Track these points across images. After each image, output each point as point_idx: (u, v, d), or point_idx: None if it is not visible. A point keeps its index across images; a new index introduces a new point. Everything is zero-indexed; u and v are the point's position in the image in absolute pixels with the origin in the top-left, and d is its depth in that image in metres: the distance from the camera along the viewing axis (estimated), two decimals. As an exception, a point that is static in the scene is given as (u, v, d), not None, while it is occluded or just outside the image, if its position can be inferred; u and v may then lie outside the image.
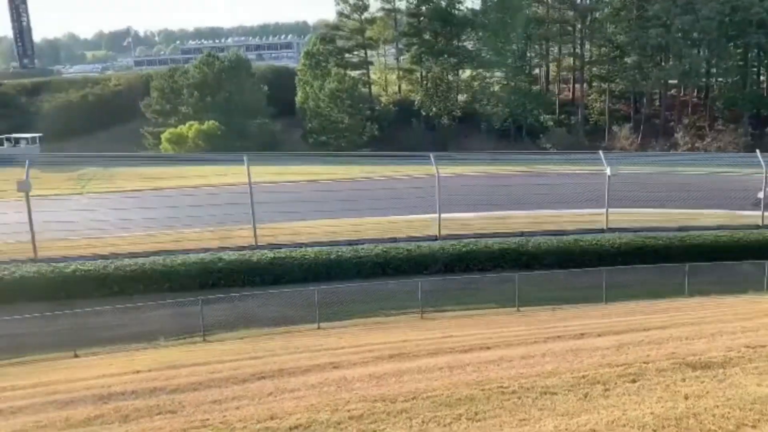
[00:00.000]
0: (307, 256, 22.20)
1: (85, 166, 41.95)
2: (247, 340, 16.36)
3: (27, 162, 24.01)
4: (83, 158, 44.96)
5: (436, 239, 24.49)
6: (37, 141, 53.50)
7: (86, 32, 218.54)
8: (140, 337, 17.66)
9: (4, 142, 53.26)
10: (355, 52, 68.22)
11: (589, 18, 63.62)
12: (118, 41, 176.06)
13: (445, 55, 62.49)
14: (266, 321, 18.68)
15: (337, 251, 22.57)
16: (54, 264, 21.07)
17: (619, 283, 21.07)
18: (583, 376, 7.47)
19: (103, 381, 9.58)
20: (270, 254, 22.31)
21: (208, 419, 6.63)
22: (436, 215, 25.21)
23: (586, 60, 64.50)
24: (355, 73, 64.37)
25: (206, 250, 22.79)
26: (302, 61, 65.75)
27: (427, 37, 64.61)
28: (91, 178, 38.50)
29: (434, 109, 60.87)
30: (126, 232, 25.46)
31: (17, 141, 53.48)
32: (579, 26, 64.47)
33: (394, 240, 24.38)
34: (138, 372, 10.60)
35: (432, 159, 26.31)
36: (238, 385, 8.15)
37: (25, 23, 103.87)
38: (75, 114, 62.54)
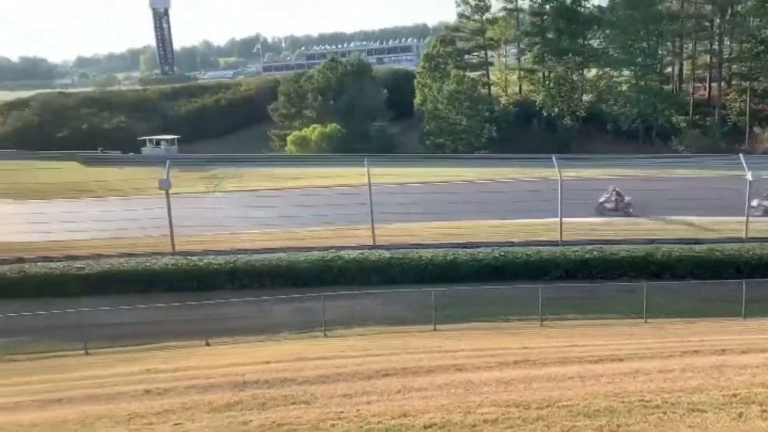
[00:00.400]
0: (423, 258, 22.25)
1: (217, 166, 44.64)
2: (366, 338, 16.67)
3: (167, 162, 25.88)
4: (216, 159, 47.93)
5: (557, 244, 23.70)
6: (175, 142, 57.59)
7: (220, 40, 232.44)
8: (265, 329, 18.51)
9: (147, 143, 57.74)
10: (475, 53, 67.64)
11: (729, 12, 58.97)
12: (248, 48, 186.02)
13: (570, 54, 60.49)
14: (383, 320, 18.94)
15: (454, 254, 22.43)
16: (189, 257, 22.58)
17: (760, 298, 19.33)
18: (734, 395, 6.92)
19: (237, 369, 10.15)
20: (387, 255, 22.59)
21: (342, 412, 6.81)
22: (557, 219, 24.41)
23: (725, 57, 59.89)
24: (474, 75, 63.83)
25: (327, 248, 23.44)
26: (421, 63, 66.15)
27: (550, 35, 62.80)
28: (222, 178, 40.87)
29: (556, 109, 59.11)
30: (253, 229, 26.80)
31: (158, 142, 57.83)
32: (717, 21, 59.97)
33: (512, 244, 23.86)
34: (268, 362, 11.12)
35: (554, 161, 25.52)
36: (365, 381, 8.32)
37: (166, 34, 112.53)
38: (209, 117, 66.89)
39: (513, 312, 19.07)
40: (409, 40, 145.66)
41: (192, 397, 7.90)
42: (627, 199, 28.05)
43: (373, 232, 24.33)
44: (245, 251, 23.28)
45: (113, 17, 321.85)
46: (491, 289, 20.21)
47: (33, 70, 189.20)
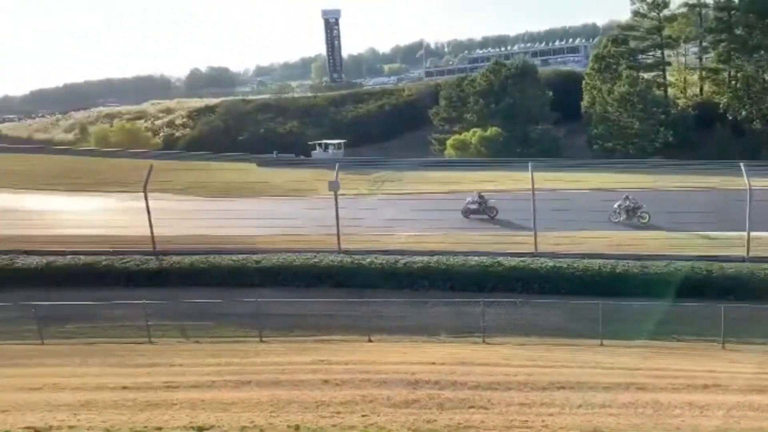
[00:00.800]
0: (589, 268, 21.24)
1: (379, 169, 46.02)
2: (527, 347, 16.29)
3: (336, 165, 27.12)
4: (379, 162, 49.43)
5: (744, 260, 21.46)
6: (342, 146, 60.26)
7: (384, 47, 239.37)
8: (423, 330, 18.74)
9: (316, 147, 61.04)
10: (650, 53, 63.34)
11: None
12: (411, 54, 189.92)
13: (761, 52, 54.60)
14: (544, 330, 18.37)
15: (624, 265, 21.14)
16: (353, 256, 23.44)
17: None
18: None
19: (406, 368, 10.40)
20: (550, 263, 21.86)
21: (526, 421, 6.73)
22: (743, 233, 22.11)
23: None
24: (648, 75, 59.89)
25: (485, 253, 23.18)
26: (590, 64, 63.27)
27: (738, 32, 57.15)
28: (384, 180, 42.05)
29: (744, 112, 53.66)
30: (413, 231, 27.25)
31: (326, 146, 60.87)
32: None
33: (689, 258, 21.97)
34: (434, 363, 11.27)
35: (742, 169, 23.14)
36: (540, 391, 8.13)
37: (336, 43, 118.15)
38: (372, 122, 69.25)
39: (689, 331, 17.59)
40: (577, 40, 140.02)
41: (369, 390, 8.21)
42: None
43: (535, 239, 23.66)
44: (405, 252, 23.71)
45: (288, 29, 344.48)
46: (665, 306, 18.72)
47: (218, 79, 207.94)
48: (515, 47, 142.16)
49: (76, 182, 41.58)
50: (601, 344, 16.82)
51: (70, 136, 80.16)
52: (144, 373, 11.30)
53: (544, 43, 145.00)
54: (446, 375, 9.28)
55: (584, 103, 60.00)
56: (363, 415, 7.04)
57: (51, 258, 23.93)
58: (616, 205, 27.28)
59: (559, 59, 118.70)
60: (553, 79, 67.16)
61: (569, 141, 58.85)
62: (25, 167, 51.62)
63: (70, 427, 7.02)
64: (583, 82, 61.26)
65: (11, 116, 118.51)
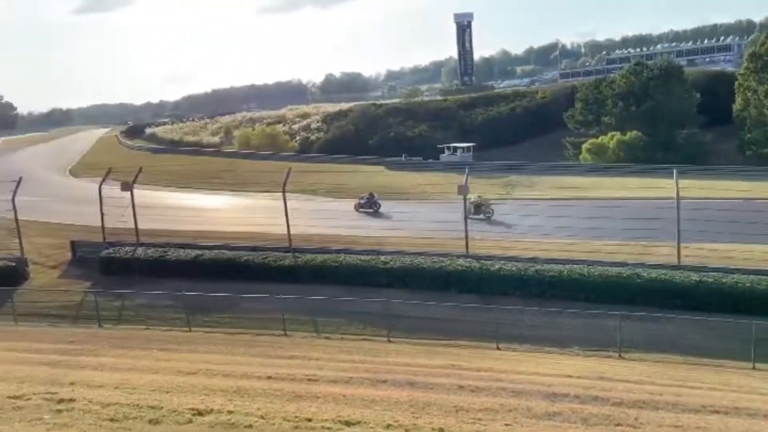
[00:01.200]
0: (740, 284, 19.60)
1: (510, 174, 45.21)
2: (668, 365, 15.29)
3: (466, 169, 27.01)
4: (510, 166, 48.60)
5: None
6: (471, 150, 59.84)
7: (517, 49, 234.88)
8: (554, 340, 18.16)
9: (445, 150, 61.08)
10: (817, 50, 57.14)
11: None
12: (545, 55, 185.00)
13: None
14: (687, 348, 17.17)
15: (783, 283, 19.27)
16: (482, 261, 23.20)
17: None
18: None
19: (540, 378, 10.16)
20: (695, 276, 20.41)
21: None
22: None
23: None
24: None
25: (623, 264, 22.07)
26: (745, 63, 58.18)
27: None
28: (515, 185, 41.26)
29: None
30: (544, 238, 26.49)
31: (455, 150, 60.73)
32: None
33: None
34: (569, 376, 10.91)
35: None
36: (693, 414, 7.64)
37: (468, 46, 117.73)
38: (503, 125, 68.07)
39: None
40: (729, 38, 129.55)
41: (507, 399, 8.11)
42: None
43: (678, 250, 22.17)
44: (536, 260, 23.12)
45: (419, 33, 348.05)
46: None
47: (351, 84, 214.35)
48: (658, 47, 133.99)
49: (221, 182, 44.60)
50: (754, 367, 15.42)
51: (216, 139, 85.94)
52: (285, 365, 11.91)
53: (690, 42, 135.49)
54: (585, 389, 8.92)
55: (736, 106, 55.24)
56: (506, 424, 6.95)
57: (198, 251, 25.80)
58: None
59: (707, 59, 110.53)
60: (701, 80, 62.58)
61: (718, 146, 54.50)
62: (177, 167, 56.14)
63: (229, 411, 7.54)
64: (736, 83, 56.43)
65: (165, 120, 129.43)
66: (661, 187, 30.72)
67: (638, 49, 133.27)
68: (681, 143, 53.51)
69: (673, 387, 10.62)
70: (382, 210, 34.09)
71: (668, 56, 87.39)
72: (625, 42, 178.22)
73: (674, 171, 23.86)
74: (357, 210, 34.20)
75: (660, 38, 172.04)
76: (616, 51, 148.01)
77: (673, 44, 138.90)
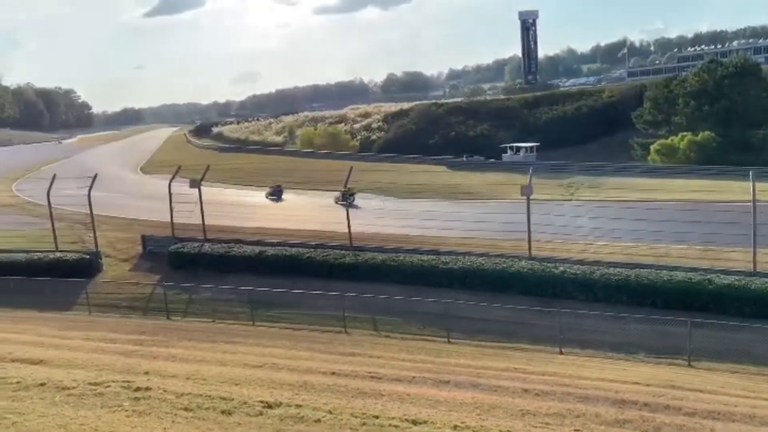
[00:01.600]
0: (823, 293, 18.56)
1: (575, 174, 44.22)
2: (742, 376, 14.64)
3: (530, 169, 26.57)
4: (574, 166, 47.56)
5: None
6: (534, 150, 58.93)
7: (583, 47, 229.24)
8: (619, 346, 17.67)
9: (507, 150, 60.35)
10: None
11: None
12: (613, 54, 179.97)
13: None
14: (761, 358, 16.37)
15: None
16: (545, 263, 22.78)
17: None
18: None
19: (607, 385, 9.93)
20: (773, 285, 19.45)
21: None
22: None
23: None
24: None
25: (693, 269, 21.26)
26: (829, 60, 55.21)
27: None
28: (579, 186, 40.35)
29: None
30: (610, 241, 25.81)
31: (518, 149, 59.96)
32: None
33: None
34: (637, 384, 10.62)
35: None
36: None
37: (532, 44, 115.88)
38: (568, 125, 66.73)
39: None
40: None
41: (574, 405, 7.97)
42: None
43: (754, 256, 21.18)
44: (601, 263, 22.55)
45: (482, 31, 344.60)
46: None
47: (412, 84, 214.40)
48: (734, 44, 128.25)
49: (284, 180, 45.41)
50: (838, 382, 14.59)
51: (280, 138, 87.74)
52: (347, 362, 12.07)
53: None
54: (655, 397, 8.64)
55: (824, 105, 52.46)
56: (575, 429, 6.83)
57: (262, 248, 26.39)
58: None
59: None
60: (780, 78, 59.58)
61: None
62: (243, 165, 57.55)
63: (297, 405, 7.72)
64: (821, 81, 53.62)
65: (231, 119, 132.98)
66: (736, 189, 29.47)
67: (712, 46, 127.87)
68: (758, 144, 51.19)
69: (748, 399, 10.16)
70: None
71: (744, 53, 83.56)
72: (698, 39, 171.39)
73: (750, 173, 22.83)
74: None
75: (736, 35, 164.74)
76: (689, 48, 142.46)
77: (750, 41, 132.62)
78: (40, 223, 31.58)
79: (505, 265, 22.93)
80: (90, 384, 8.50)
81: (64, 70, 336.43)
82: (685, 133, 52.10)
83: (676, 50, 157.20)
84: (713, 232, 23.74)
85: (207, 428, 6.93)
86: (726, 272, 20.83)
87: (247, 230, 29.64)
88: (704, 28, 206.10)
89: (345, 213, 27.26)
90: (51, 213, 29.01)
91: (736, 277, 20.13)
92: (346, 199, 34.70)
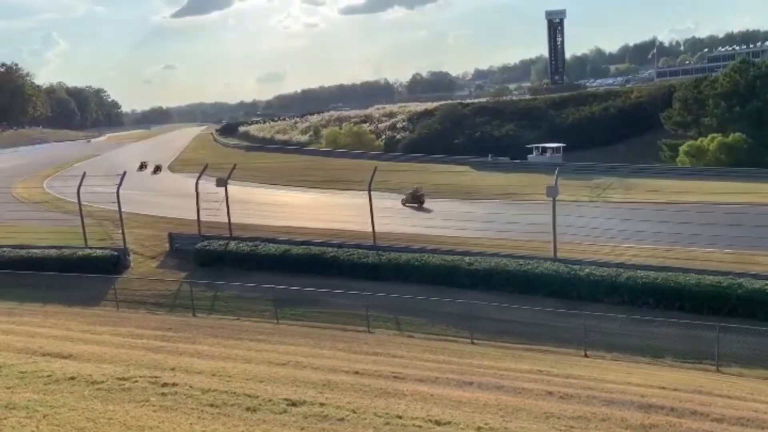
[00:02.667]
0: None
1: (602, 176, 43.74)
2: (771, 383, 14.34)
3: (557, 170, 26.34)
4: (602, 167, 47.05)
5: None
6: (560, 150, 58.38)
7: (611, 47, 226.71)
8: (644, 350, 17.48)
9: (533, 150, 59.88)
10: None
11: None
12: (642, 53, 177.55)
13: None
14: (795, 365, 16.03)
15: None
16: (570, 265, 22.55)
17: None
18: None
19: (633, 389, 9.82)
20: (804, 289, 19.01)
21: None
22: None
23: None
24: None
25: (722, 273, 20.88)
26: None
27: None
28: (606, 187, 39.91)
29: None
30: (637, 243, 25.47)
31: (543, 150, 59.44)
32: None
33: None
34: (664, 388, 10.49)
35: None
36: None
37: (559, 43, 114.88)
38: (595, 126, 65.97)
39: None
40: None
41: (599, 408, 7.91)
42: None
43: (786, 260, 20.77)
44: (628, 266, 22.26)
45: (509, 31, 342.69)
46: None
47: (438, 84, 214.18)
48: (766, 43, 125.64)
49: (310, 179, 45.72)
50: None
51: (305, 137, 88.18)
52: (370, 361, 12.11)
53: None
54: (682, 402, 8.53)
55: None
56: (599, 433, 6.82)
57: (287, 246, 26.55)
58: None
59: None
60: (816, 78, 58.19)
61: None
62: (268, 164, 58.02)
63: (321, 404, 7.78)
64: None
65: (257, 119, 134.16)
66: (767, 192, 28.91)
67: (744, 46, 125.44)
68: (790, 146, 50.09)
69: (776, 405, 9.99)
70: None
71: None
72: (729, 38, 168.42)
73: (782, 175, 22.38)
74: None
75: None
76: (719, 48, 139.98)
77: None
78: (70, 219, 32.15)
79: (529, 267, 22.72)
80: (118, 379, 8.65)
81: (95, 69, 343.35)
82: (714, 135, 51.21)
83: (706, 50, 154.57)
84: (743, 236, 23.36)
85: (232, 425, 7.02)
86: (756, 276, 20.42)
87: (273, 228, 29.83)
88: (736, 27, 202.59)
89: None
90: (81, 210, 29.53)
91: (767, 282, 19.72)
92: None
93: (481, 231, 27.57)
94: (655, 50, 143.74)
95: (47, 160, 74.52)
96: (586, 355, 17.02)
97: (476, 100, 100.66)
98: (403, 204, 36.06)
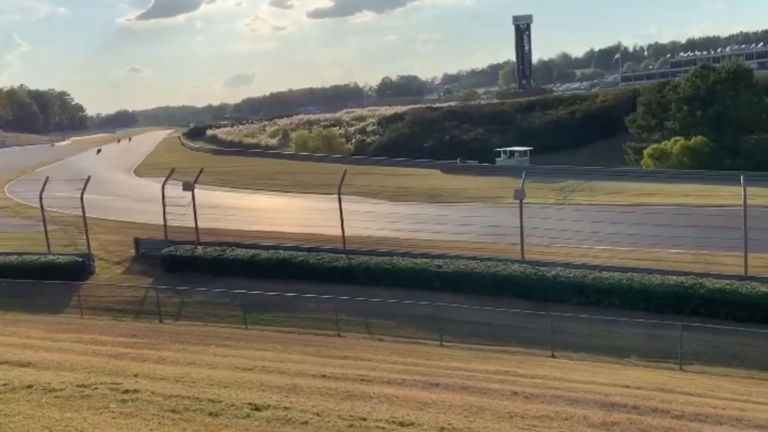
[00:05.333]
0: (811, 297, 18.61)
1: (567, 178, 44.36)
2: (732, 380, 14.69)
3: (523, 173, 26.64)
4: (567, 171, 47.71)
5: None
6: (527, 154, 59.05)
7: (577, 51, 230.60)
8: (610, 350, 17.71)
9: (501, 154, 60.45)
10: None
11: None
12: (607, 58, 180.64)
13: None
14: (753, 363, 16.46)
15: None
16: (537, 267, 22.81)
17: None
18: None
19: (597, 388, 9.95)
20: (763, 288, 19.50)
21: None
22: None
23: None
24: None
25: (685, 273, 21.31)
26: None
27: None
28: (572, 190, 40.48)
29: None
30: (603, 245, 25.86)
31: (511, 153, 60.06)
32: None
33: None
34: (627, 387, 10.66)
35: None
36: (756, 429, 7.36)
37: (526, 48, 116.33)
38: (562, 129, 66.80)
39: None
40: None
41: (562, 407, 8.00)
42: None
43: (745, 260, 21.26)
44: (594, 267, 22.58)
45: (477, 36, 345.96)
46: None
47: (407, 88, 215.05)
48: (726, 49, 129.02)
49: (278, 183, 45.44)
50: (826, 386, 14.64)
51: (274, 141, 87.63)
52: (338, 365, 12.06)
53: (761, 43, 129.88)
54: (644, 400, 8.69)
55: (813, 111, 52.73)
56: (562, 432, 6.90)
57: (255, 251, 26.30)
58: None
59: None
60: (773, 83, 59.90)
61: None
62: (237, 168, 57.52)
63: (285, 408, 7.70)
64: (812, 86, 53.91)
65: (225, 122, 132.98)
66: (727, 194, 29.62)
67: (705, 52, 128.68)
68: (749, 149, 51.40)
69: (737, 402, 10.22)
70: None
71: (737, 59, 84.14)
72: (691, 44, 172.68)
73: (741, 178, 22.92)
74: None
75: (729, 40, 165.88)
76: (681, 54, 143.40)
77: (743, 46, 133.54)
78: (33, 225, 31.44)
79: (498, 269, 22.89)
80: (78, 386, 8.46)
81: (58, 72, 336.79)
82: (677, 138, 52.26)
83: (669, 55, 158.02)
84: (706, 237, 23.88)
85: (194, 429, 6.91)
86: (718, 276, 20.90)
87: (241, 233, 29.54)
88: (697, 34, 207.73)
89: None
90: (43, 215, 28.88)
91: (728, 281, 20.17)
92: None
93: (450, 234, 27.66)
94: (618, 54, 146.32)
95: (8, 165, 72.71)
96: (553, 356, 17.20)
97: (445, 104, 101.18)
98: None
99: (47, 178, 29.44)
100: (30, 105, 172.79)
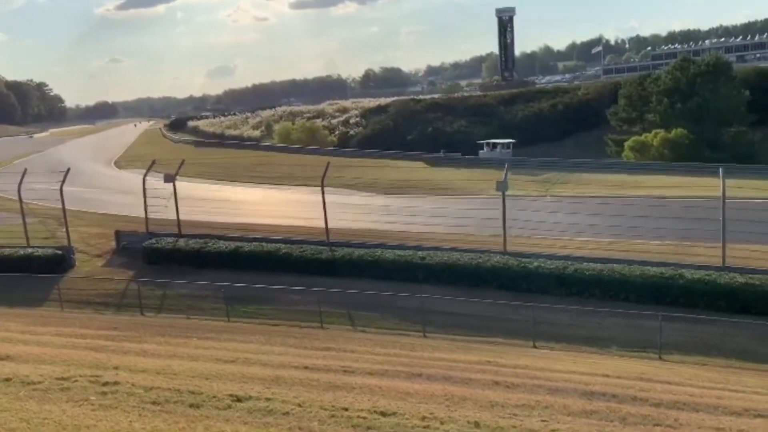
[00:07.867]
0: (784, 287, 18.93)
1: (550, 171, 44.60)
2: (710, 368, 14.94)
3: (506, 165, 26.74)
4: (550, 163, 48.00)
5: None
6: (510, 146, 59.31)
7: (560, 44, 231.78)
8: (591, 340, 17.89)
9: (484, 146, 60.64)
10: None
11: None
12: (588, 51, 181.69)
13: None
14: (730, 352, 16.74)
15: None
16: (520, 258, 22.93)
17: None
18: None
19: (578, 377, 10.07)
20: (740, 279, 19.80)
21: None
22: None
23: None
24: None
25: (664, 264, 21.57)
26: (798, 59, 56.33)
27: None
28: (555, 182, 40.70)
29: None
30: (584, 236, 26.09)
31: (494, 146, 60.26)
32: None
33: None
34: (608, 376, 10.80)
35: None
36: (734, 417, 7.51)
37: (509, 41, 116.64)
38: (544, 122, 67.29)
39: None
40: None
41: (543, 396, 8.09)
42: None
43: (723, 251, 21.54)
44: (575, 258, 22.77)
45: (460, 28, 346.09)
46: None
47: (391, 80, 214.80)
48: (706, 42, 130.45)
49: (261, 175, 45.19)
50: (801, 373, 14.94)
51: (257, 133, 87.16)
52: (321, 356, 12.06)
53: (740, 37, 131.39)
54: (623, 389, 8.84)
55: (790, 104, 53.48)
56: (542, 420, 6.95)
57: (238, 243, 26.17)
58: None
59: (758, 55, 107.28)
60: (751, 77, 60.73)
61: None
62: (219, 160, 57.08)
63: (267, 399, 7.69)
64: (789, 80, 54.67)
65: (207, 114, 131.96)
66: (707, 186, 29.96)
67: (685, 45, 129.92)
68: (728, 142, 52.12)
69: (714, 390, 10.43)
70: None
71: (716, 52, 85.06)
72: (672, 37, 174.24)
73: (720, 170, 23.19)
74: None
75: (708, 33, 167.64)
76: (662, 47, 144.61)
77: (722, 40, 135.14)
78: (11, 218, 30.96)
79: (481, 261, 23.00)
80: (57, 379, 8.38)
81: (36, 63, 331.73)
82: (658, 131, 52.80)
83: (650, 48, 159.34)
84: (685, 228, 24.15)
85: (174, 421, 6.88)
86: (697, 267, 21.17)
87: (224, 225, 29.33)
88: (677, 27, 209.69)
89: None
90: (22, 208, 28.48)
91: (706, 272, 20.45)
92: None
93: (433, 225, 27.72)
94: (600, 47, 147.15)
95: (-15, 157, 71.58)
96: (534, 346, 17.34)
97: (429, 96, 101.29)
98: None
99: (25, 170, 28.99)
100: (7, 96, 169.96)
